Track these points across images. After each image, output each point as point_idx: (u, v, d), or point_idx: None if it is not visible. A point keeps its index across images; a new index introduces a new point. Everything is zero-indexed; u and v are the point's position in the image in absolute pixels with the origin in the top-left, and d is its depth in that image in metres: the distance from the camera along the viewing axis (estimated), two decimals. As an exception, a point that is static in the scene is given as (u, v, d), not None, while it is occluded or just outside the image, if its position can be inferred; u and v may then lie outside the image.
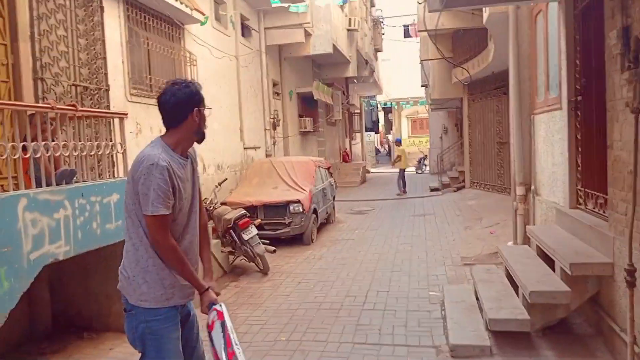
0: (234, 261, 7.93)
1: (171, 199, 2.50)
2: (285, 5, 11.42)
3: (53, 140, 4.28)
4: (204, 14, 9.08)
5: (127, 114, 5.59)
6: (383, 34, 27.43)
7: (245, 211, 7.99)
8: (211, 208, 7.91)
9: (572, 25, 5.48)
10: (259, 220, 8.64)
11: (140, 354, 2.64)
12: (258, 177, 10.53)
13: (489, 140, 14.84)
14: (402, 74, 32.55)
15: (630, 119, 3.68)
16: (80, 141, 4.62)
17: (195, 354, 2.79)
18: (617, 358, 4.04)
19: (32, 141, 4.02)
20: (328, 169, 12.29)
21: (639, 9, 3.60)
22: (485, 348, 4.37)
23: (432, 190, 17.58)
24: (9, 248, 3.58)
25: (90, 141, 4.79)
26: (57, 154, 4.28)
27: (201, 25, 9.25)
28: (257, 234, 7.73)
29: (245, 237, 7.48)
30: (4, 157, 3.75)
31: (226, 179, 9.68)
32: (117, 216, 4.80)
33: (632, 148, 3.60)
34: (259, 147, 12.91)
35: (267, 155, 13.11)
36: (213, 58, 10.17)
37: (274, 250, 7.94)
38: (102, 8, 6.34)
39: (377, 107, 36.43)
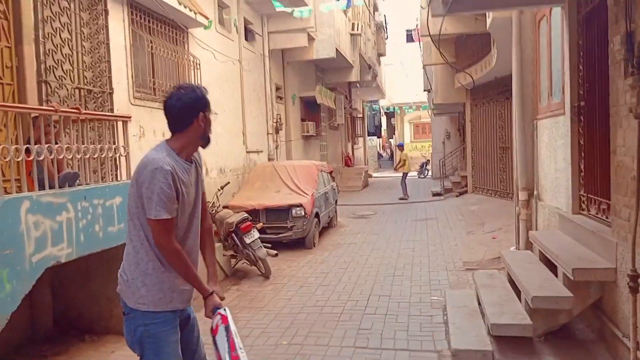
0: (235, 265, 7.93)
1: (175, 204, 2.50)
2: (289, 10, 11.44)
3: (56, 143, 4.29)
4: (207, 18, 9.11)
5: (130, 117, 5.60)
6: (386, 38, 27.49)
7: (247, 215, 7.99)
8: (213, 211, 7.92)
9: (575, 31, 5.48)
10: (261, 224, 8.63)
11: (139, 358, 2.63)
12: (260, 181, 10.53)
13: (492, 145, 14.82)
14: (405, 78, 32.57)
15: (634, 124, 3.68)
16: (83, 144, 4.64)
17: (196, 357, 2.79)
18: (620, 364, 4.03)
19: (36, 143, 4.03)
20: (330, 173, 12.29)
21: (642, 15, 3.61)
22: (487, 353, 4.36)
23: (434, 195, 17.57)
24: (11, 250, 3.59)
25: (94, 144, 4.81)
26: (61, 157, 4.29)
27: (205, 29, 9.28)
28: (259, 238, 7.72)
29: (247, 240, 7.47)
30: (7, 160, 3.76)
31: (229, 182, 9.68)
32: (119, 219, 4.81)
33: (635, 154, 3.60)
34: (262, 151, 12.92)
35: (269, 159, 13.12)
36: (216, 62, 10.19)
37: (276, 254, 7.94)
38: (106, 11, 6.37)
39: (380, 112, 36.43)
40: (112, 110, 6.33)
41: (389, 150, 42.06)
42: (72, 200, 4.25)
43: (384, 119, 40.17)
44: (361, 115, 28.92)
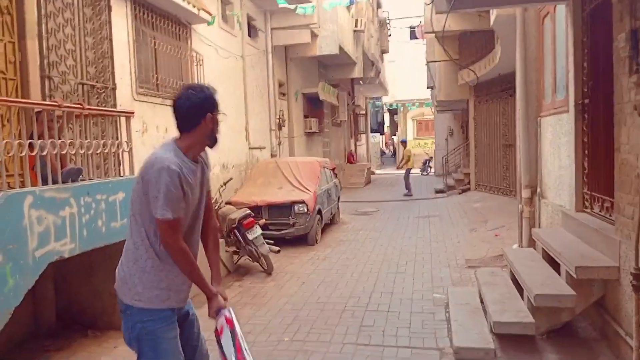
0: (238, 261, 7.94)
1: (182, 204, 2.50)
2: (292, 6, 11.41)
3: (59, 138, 4.29)
4: (211, 14, 9.09)
5: (133, 113, 5.61)
6: (389, 35, 27.41)
7: (249, 211, 7.99)
8: (216, 207, 7.92)
9: (579, 28, 5.45)
10: (264, 220, 8.64)
11: (136, 355, 2.62)
12: (263, 177, 10.53)
13: (495, 143, 14.80)
14: (408, 75, 32.51)
15: (638, 122, 3.67)
16: (86, 139, 4.64)
17: (197, 353, 2.78)
18: (623, 362, 4.02)
19: (39, 139, 4.03)
20: (333, 169, 12.28)
21: (647, 12, 3.59)
22: (489, 351, 4.36)
23: (437, 192, 17.56)
24: (14, 245, 3.59)
25: (97, 139, 4.81)
26: (64, 152, 4.29)
27: (208, 25, 9.26)
28: (261, 234, 7.72)
29: (250, 237, 7.48)
30: (10, 155, 3.76)
31: (231, 178, 9.69)
32: (122, 214, 4.81)
33: (639, 151, 3.58)
34: (264, 147, 12.92)
35: (272, 156, 13.12)
36: (219, 58, 10.18)
37: (278, 251, 7.94)
38: (109, 7, 6.36)
39: (383, 109, 36.40)
40: (115, 105, 6.33)
41: (391, 147, 42.04)
42: (75, 195, 4.25)
43: (386, 116, 40.11)
44: (364, 112, 28.89)
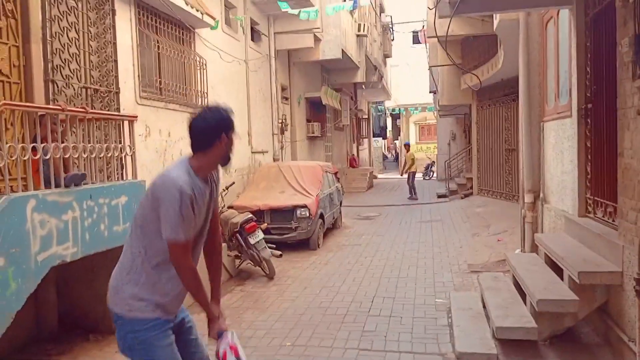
0: (240, 265, 7.93)
1: (192, 225, 2.52)
2: (296, 11, 11.44)
3: (62, 142, 4.30)
4: (214, 18, 9.13)
5: (136, 117, 5.62)
6: (392, 39, 27.45)
7: (252, 215, 8.00)
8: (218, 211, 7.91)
9: (583, 32, 5.45)
10: (266, 224, 8.64)
11: None
12: (265, 181, 10.53)
13: (498, 147, 14.78)
14: (411, 79, 32.53)
15: (641, 127, 3.66)
16: (89, 143, 4.65)
17: (196, 359, 2.77)
18: (626, 369, 4.00)
19: (42, 142, 4.04)
20: (335, 174, 12.28)
21: (651, 17, 3.58)
22: (491, 356, 4.34)
23: (439, 196, 17.54)
24: (17, 249, 3.60)
25: (100, 143, 4.82)
26: (67, 156, 4.30)
27: (212, 29, 9.30)
28: (263, 238, 7.73)
29: (252, 241, 7.48)
30: (13, 158, 3.77)
31: (233, 182, 9.70)
32: (124, 218, 4.82)
33: (642, 156, 3.57)
34: (267, 152, 12.93)
35: (274, 160, 13.13)
36: (223, 62, 10.21)
37: (280, 255, 7.93)
38: (113, 11, 6.38)
39: (385, 113, 36.40)
40: (118, 109, 6.35)
41: (394, 152, 42.02)
42: (77, 199, 4.26)
43: (389, 120, 40.12)
44: (366, 116, 28.89)
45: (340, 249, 9.56)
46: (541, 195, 7.19)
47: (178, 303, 2.66)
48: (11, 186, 3.86)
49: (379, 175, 28.73)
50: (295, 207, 9.26)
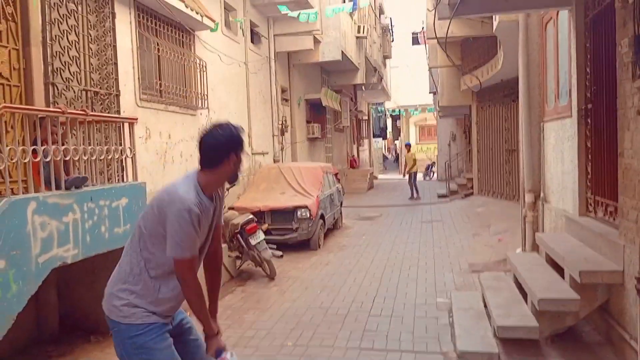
0: (241, 266, 7.93)
1: (198, 244, 2.54)
2: (295, 13, 11.45)
3: (63, 145, 4.31)
4: (214, 21, 9.14)
5: (136, 119, 5.63)
6: (392, 41, 27.47)
7: (252, 216, 8.00)
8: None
9: (582, 33, 5.46)
10: (267, 225, 8.65)
11: None
12: (266, 183, 10.54)
13: (498, 148, 14.80)
14: (411, 81, 32.56)
15: (641, 126, 3.66)
16: (90, 145, 4.65)
17: (197, 358, 2.76)
18: (627, 368, 4.00)
19: (42, 144, 4.05)
20: (335, 175, 12.29)
21: (649, 16, 3.59)
22: (493, 355, 4.34)
23: (440, 197, 17.53)
24: (17, 251, 3.61)
25: (100, 145, 4.83)
26: (67, 158, 4.31)
27: (211, 31, 9.31)
28: (264, 239, 7.73)
29: (253, 242, 7.48)
30: (14, 161, 3.78)
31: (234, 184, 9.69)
32: (125, 220, 4.82)
33: (642, 155, 3.58)
34: (267, 153, 12.94)
35: (275, 161, 13.13)
36: (223, 64, 10.22)
37: (281, 256, 7.94)
38: (113, 14, 6.40)
39: (385, 114, 36.41)
40: (118, 112, 6.36)
41: (394, 152, 42.02)
42: (78, 201, 4.26)
43: (389, 121, 40.12)
44: (366, 118, 28.90)
45: (341, 250, 9.56)
46: (542, 195, 7.19)
47: (174, 310, 2.67)
48: (12, 189, 3.87)
49: (379, 176, 28.75)
50: (295, 208, 9.27)
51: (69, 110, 4.50)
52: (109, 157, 4.95)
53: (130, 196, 5.01)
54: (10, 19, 5.01)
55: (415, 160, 18.00)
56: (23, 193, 3.85)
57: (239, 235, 7.54)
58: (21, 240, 3.65)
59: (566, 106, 5.98)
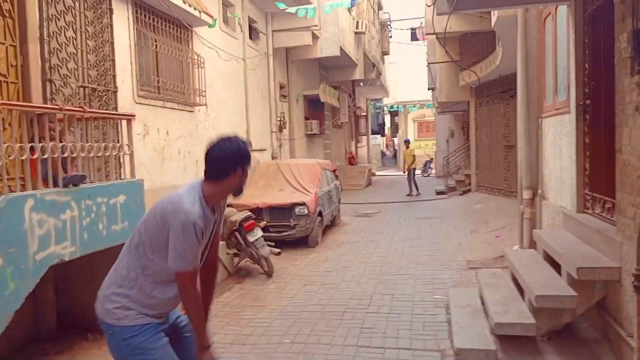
0: (238, 263, 7.94)
1: (199, 256, 2.54)
2: (293, 9, 11.42)
3: (60, 141, 4.30)
4: (212, 17, 9.11)
5: (134, 116, 5.61)
6: (390, 37, 27.43)
7: (250, 213, 7.99)
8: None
9: (581, 29, 5.46)
10: (265, 222, 8.64)
11: None
12: (264, 179, 10.54)
13: (496, 144, 14.80)
14: (409, 77, 32.55)
15: None
16: (87, 142, 4.64)
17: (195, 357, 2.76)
18: (624, 364, 4.01)
19: (40, 141, 4.04)
20: (334, 171, 12.28)
21: (648, 13, 3.58)
22: (490, 352, 4.35)
23: (438, 193, 17.55)
24: (15, 248, 3.60)
25: (98, 142, 4.82)
26: (65, 155, 4.30)
27: (209, 27, 9.27)
28: (262, 236, 7.73)
29: (251, 239, 7.48)
30: (11, 158, 3.77)
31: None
32: (123, 217, 4.82)
33: (640, 152, 3.58)
34: (265, 150, 12.92)
35: (273, 158, 13.12)
36: (221, 60, 10.19)
37: (279, 253, 7.94)
38: (111, 10, 6.37)
39: (384, 110, 36.41)
40: (116, 108, 6.34)
41: (392, 149, 42.03)
42: (76, 198, 4.25)
43: (387, 118, 40.14)
44: (365, 114, 28.90)
45: (339, 246, 9.57)
46: (539, 191, 7.19)
47: (168, 311, 2.67)
48: (9, 186, 3.86)
49: (377, 173, 28.74)
50: (293, 205, 9.27)
51: (66, 107, 4.49)
52: (107, 154, 4.94)
53: (128, 193, 5.00)
54: (7, 15, 4.98)
55: (414, 156, 18.00)
56: (21, 190, 3.85)
57: (236, 233, 7.54)
58: (19, 238, 3.64)
59: (564, 102, 5.97)
